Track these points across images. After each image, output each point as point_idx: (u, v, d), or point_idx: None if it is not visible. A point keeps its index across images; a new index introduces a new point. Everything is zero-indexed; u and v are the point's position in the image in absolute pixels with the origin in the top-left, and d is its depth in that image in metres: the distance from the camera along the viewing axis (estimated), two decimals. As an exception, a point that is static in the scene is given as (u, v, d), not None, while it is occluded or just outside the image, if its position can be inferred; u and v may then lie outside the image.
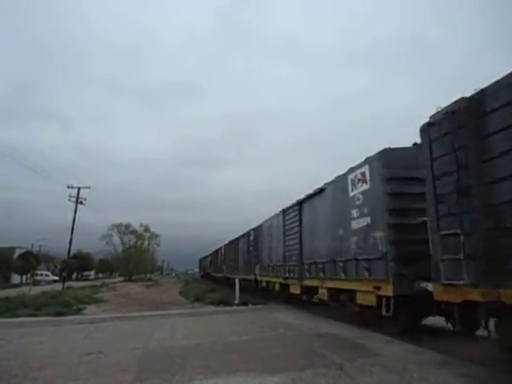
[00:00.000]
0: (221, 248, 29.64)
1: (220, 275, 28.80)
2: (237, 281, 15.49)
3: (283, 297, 13.12)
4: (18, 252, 47.70)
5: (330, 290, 8.98)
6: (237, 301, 13.81)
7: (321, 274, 9.08)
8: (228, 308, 12.76)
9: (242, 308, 12.58)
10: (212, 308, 13.02)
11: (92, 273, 69.31)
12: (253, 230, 17.57)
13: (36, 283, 33.97)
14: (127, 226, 57.60)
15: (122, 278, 56.67)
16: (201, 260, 57.11)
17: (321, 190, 9.51)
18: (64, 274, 32.61)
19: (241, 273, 19.59)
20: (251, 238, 17.69)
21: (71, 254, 31.70)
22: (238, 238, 21.75)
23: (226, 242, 26.58)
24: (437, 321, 6.80)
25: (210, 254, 39.89)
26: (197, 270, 74.73)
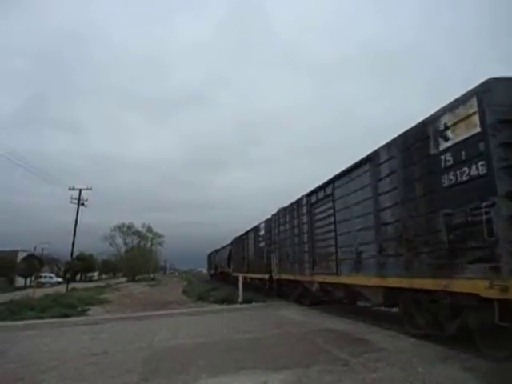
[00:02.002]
0: (254, 229, 17.94)
1: (251, 276, 17.62)
2: (240, 278, 15.39)
3: None
4: (21, 255, 47.81)
5: None
6: (240, 299, 13.84)
7: None
8: (232, 306, 12.78)
9: (247, 306, 12.60)
10: (216, 306, 13.06)
11: (95, 274, 69.50)
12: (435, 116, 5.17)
13: (40, 285, 34.04)
14: (130, 227, 57.85)
15: (125, 279, 56.84)
16: (210, 255, 42.10)
17: None
18: (68, 275, 32.75)
19: (347, 269, 7.96)
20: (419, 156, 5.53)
21: (74, 255, 31.80)
22: (314, 192, 10.13)
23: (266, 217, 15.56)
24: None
25: (227, 245, 28.26)
26: (201, 268, 71.72)
